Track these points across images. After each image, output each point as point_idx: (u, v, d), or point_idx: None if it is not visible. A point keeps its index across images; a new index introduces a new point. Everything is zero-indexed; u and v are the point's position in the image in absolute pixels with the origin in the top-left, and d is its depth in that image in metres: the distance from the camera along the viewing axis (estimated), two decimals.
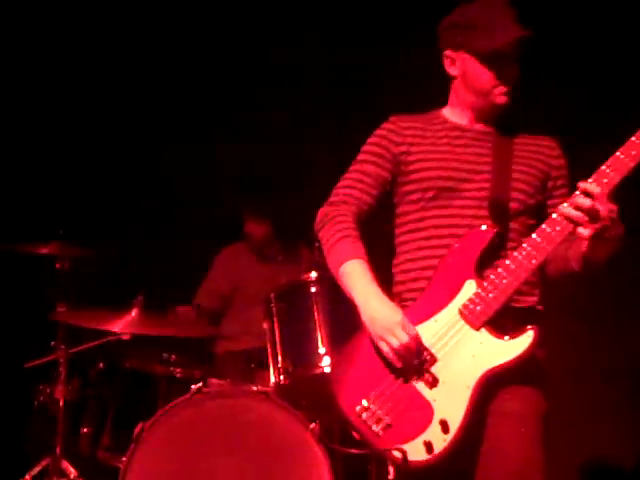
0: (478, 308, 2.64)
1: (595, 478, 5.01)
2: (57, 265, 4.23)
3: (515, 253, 2.65)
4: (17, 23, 5.18)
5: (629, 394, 4.92)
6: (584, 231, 2.55)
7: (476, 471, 2.63)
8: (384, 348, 2.66)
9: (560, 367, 3.21)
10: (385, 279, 2.82)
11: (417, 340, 2.64)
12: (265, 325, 3.99)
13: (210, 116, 5.51)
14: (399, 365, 2.65)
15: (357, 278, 2.74)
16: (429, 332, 2.67)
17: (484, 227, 2.73)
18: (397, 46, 4.97)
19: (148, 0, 5.29)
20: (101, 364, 4.21)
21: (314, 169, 2.95)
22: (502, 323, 2.64)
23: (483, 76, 2.79)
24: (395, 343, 2.63)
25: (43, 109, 5.32)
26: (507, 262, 2.65)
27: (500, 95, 2.80)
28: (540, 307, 2.78)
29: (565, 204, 2.59)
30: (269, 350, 3.95)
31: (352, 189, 2.88)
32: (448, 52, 2.86)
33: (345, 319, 3.48)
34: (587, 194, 2.53)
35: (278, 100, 5.28)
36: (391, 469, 2.92)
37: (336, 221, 2.82)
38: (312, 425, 3.56)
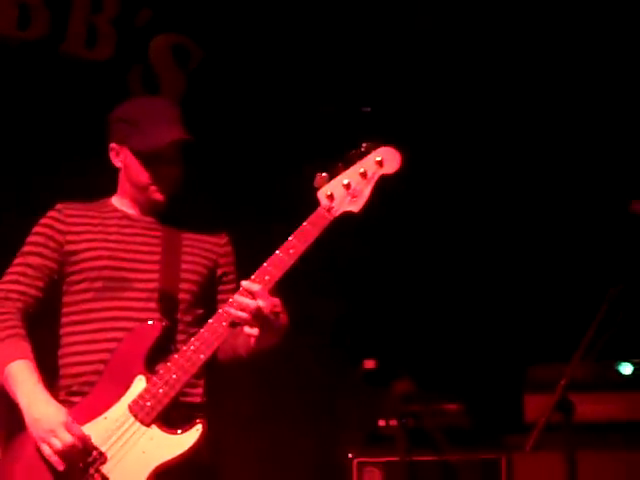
0: (148, 404, 2.62)
1: None
2: None
3: (184, 347, 2.68)
4: None
5: None
6: (251, 330, 2.64)
7: None
8: (46, 451, 2.57)
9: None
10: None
11: (84, 440, 2.58)
12: None
13: None
14: (62, 468, 2.57)
15: (22, 380, 2.65)
16: (99, 430, 2.62)
17: (151, 322, 2.73)
18: None
19: None
20: None
21: None
22: (173, 418, 2.65)
23: (140, 173, 2.82)
24: (58, 445, 2.55)
25: None
26: (176, 357, 2.67)
27: (155, 192, 2.83)
28: (204, 399, 2.80)
29: (230, 300, 2.66)
30: None
31: (16, 284, 2.78)
32: (113, 145, 2.87)
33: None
34: (250, 292, 2.62)
35: None
36: None
37: (0, 320, 2.72)
38: None
